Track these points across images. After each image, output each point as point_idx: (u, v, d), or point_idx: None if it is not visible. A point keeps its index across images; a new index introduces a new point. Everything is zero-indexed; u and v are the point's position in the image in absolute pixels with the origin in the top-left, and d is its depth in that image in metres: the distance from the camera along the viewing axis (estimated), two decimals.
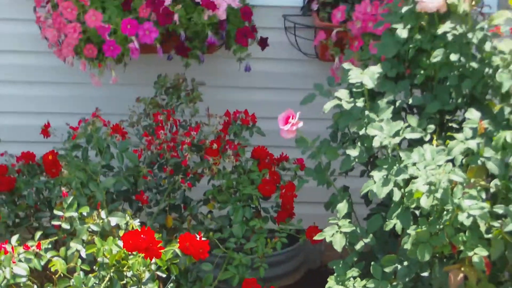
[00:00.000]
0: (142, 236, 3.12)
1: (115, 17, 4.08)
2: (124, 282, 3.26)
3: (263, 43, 4.25)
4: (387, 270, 3.19)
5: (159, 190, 3.93)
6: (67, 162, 3.67)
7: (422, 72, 3.33)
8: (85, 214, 3.44)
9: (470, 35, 3.18)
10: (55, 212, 3.46)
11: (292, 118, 3.37)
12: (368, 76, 3.28)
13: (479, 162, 2.96)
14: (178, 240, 3.28)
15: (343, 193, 3.49)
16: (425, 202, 2.87)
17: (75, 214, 3.43)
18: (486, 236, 2.92)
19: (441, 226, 2.92)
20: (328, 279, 3.31)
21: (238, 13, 4.17)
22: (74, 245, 3.35)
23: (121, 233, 3.37)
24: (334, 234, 3.31)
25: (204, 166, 3.81)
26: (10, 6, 4.47)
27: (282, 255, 4.32)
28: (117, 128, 3.80)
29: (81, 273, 3.25)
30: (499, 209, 2.91)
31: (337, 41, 4.12)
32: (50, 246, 3.38)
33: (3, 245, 3.28)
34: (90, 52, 4.07)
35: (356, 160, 3.33)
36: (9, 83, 4.58)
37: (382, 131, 3.16)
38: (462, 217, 2.84)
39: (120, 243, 3.25)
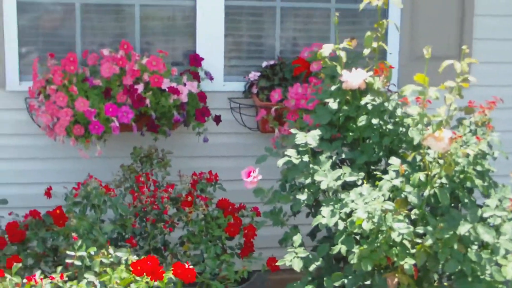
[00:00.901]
0: (148, 262, 3.48)
1: (97, 103, 4.44)
2: None
3: (218, 119, 4.68)
4: (336, 284, 3.62)
5: (142, 236, 4.27)
6: (74, 214, 3.99)
7: (350, 134, 3.82)
8: (92, 253, 3.75)
9: (386, 104, 3.72)
10: (68, 252, 3.75)
11: (253, 172, 3.81)
12: (311, 137, 3.75)
13: (402, 195, 3.46)
14: (172, 268, 3.62)
15: (295, 229, 3.92)
16: (366, 225, 3.33)
17: (84, 253, 3.74)
18: (411, 251, 3.40)
19: (378, 244, 3.38)
20: None
21: (195, 97, 4.58)
22: (88, 276, 3.65)
23: (121, 267, 3.67)
24: (293, 259, 3.72)
25: (181, 215, 4.20)
26: (8, 99, 4.72)
27: None
28: (107, 188, 4.15)
29: None
30: (420, 230, 3.40)
31: (275, 116, 4.58)
32: (67, 278, 3.67)
33: (33, 277, 3.54)
34: (78, 131, 4.38)
35: (305, 202, 3.78)
36: (8, 160, 4.79)
37: (327, 177, 3.63)
38: (394, 235, 3.31)
39: (125, 274, 3.58)
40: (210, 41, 4.75)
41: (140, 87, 4.40)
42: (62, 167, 4.73)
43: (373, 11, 4.30)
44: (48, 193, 4.29)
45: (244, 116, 4.80)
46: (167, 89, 4.45)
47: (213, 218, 4.23)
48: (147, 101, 4.43)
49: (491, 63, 4.90)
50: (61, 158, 4.75)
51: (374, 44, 3.81)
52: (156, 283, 3.54)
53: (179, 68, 4.70)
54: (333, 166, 3.80)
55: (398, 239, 3.31)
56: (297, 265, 3.68)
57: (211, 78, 4.73)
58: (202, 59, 4.69)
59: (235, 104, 4.80)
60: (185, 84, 4.50)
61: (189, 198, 4.15)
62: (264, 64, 4.81)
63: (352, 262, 3.44)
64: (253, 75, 4.78)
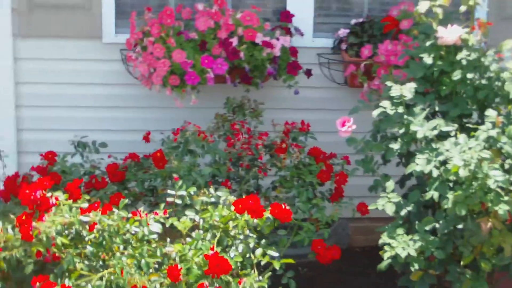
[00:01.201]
0: (250, 201, 3.70)
1: (193, 55, 4.68)
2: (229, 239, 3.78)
3: (309, 73, 4.90)
4: (427, 228, 3.82)
5: (236, 181, 4.51)
6: (174, 157, 4.24)
7: (444, 88, 4.01)
8: (192, 192, 3.97)
9: (482, 59, 3.89)
10: (169, 191, 3.94)
11: (348, 122, 4.02)
12: (407, 90, 3.94)
13: (498, 145, 3.64)
14: (270, 208, 3.83)
15: (386, 177, 4.11)
16: (463, 172, 3.52)
17: (184, 193, 3.96)
18: (505, 198, 3.58)
19: (473, 190, 3.56)
20: (381, 236, 3.90)
21: (287, 51, 4.80)
22: (189, 213, 3.87)
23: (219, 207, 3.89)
24: (385, 203, 3.94)
25: (275, 161, 4.43)
26: (104, 50, 5.00)
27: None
28: (203, 134, 4.39)
29: (199, 231, 3.77)
30: None
31: (364, 72, 4.77)
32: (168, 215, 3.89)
33: (138, 212, 3.77)
34: (174, 81, 4.65)
35: (398, 151, 3.98)
36: (106, 108, 5.10)
37: (423, 126, 3.83)
38: (490, 182, 3.50)
39: (225, 211, 3.80)
40: None
41: (234, 41, 4.63)
42: (158, 116, 4.99)
43: None
44: (146, 138, 4.54)
45: (332, 71, 5.00)
46: (260, 43, 4.67)
47: (305, 165, 4.44)
48: (241, 54, 4.65)
49: None
50: (157, 107, 5.00)
51: (471, 2, 3.97)
52: (255, 220, 3.76)
53: (270, 24, 4.89)
54: (426, 118, 3.97)
55: (493, 186, 3.49)
56: (390, 209, 3.89)
57: (301, 34, 4.93)
58: (293, 15, 4.90)
59: (323, 59, 5.00)
60: (278, 39, 4.71)
61: (284, 145, 4.36)
62: (353, 21, 5.00)
63: (445, 207, 3.63)
64: (342, 31, 4.97)
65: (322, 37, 5.06)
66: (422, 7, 4.09)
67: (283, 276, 3.82)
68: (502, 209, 3.50)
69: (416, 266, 3.80)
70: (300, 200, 4.28)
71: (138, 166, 4.49)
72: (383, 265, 3.92)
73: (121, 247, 3.59)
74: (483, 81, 3.93)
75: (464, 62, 3.95)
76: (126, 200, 3.79)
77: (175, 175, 4.08)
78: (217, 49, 4.67)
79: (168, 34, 4.67)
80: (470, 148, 3.59)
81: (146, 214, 3.77)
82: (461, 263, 3.84)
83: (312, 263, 4.70)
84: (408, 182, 4.25)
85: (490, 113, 3.72)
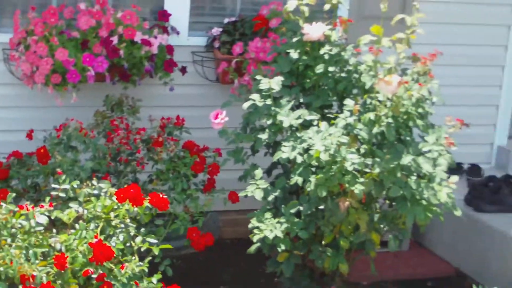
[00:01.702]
0: (131, 190, 3.98)
1: (75, 54, 4.90)
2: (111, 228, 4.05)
3: (184, 70, 5.21)
4: (292, 211, 4.21)
5: (115, 175, 4.76)
6: (57, 152, 4.48)
7: (308, 81, 4.41)
8: (75, 186, 4.19)
9: (343, 53, 4.31)
10: (53, 185, 4.15)
11: (221, 114, 4.36)
12: (275, 83, 4.31)
13: (355, 132, 4.06)
14: (149, 197, 4.12)
15: (254, 166, 4.47)
16: (324, 157, 3.92)
17: (68, 186, 4.16)
18: (361, 179, 3.99)
19: (333, 173, 3.96)
20: (251, 220, 4.26)
21: (164, 49, 5.09)
22: (73, 205, 4.10)
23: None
24: (254, 190, 4.29)
25: (152, 154, 4.73)
26: None
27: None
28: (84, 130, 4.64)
29: (82, 222, 4.02)
30: (369, 161, 4.00)
31: (235, 68, 5.10)
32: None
33: (25, 205, 3.98)
34: (56, 79, 4.83)
35: (266, 141, 4.34)
36: None
37: (288, 116, 4.21)
38: (347, 165, 3.91)
39: (108, 201, 4.06)
40: None
41: (115, 39, 4.89)
42: (41, 115, 5.16)
43: None
44: (29, 135, 4.75)
45: (206, 68, 5.33)
46: (139, 41, 4.94)
47: (180, 158, 4.75)
48: (121, 52, 4.90)
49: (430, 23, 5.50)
50: (40, 107, 5.18)
51: (334, 1, 4.40)
52: (136, 209, 4.04)
53: (149, 23, 5.16)
54: (292, 109, 4.36)
55: (350, 168, 3.91)
56: (258, 195, 4.25)
57: (178, 33, 5.24)
58: (170, 14, 5.19)
59: (198, 57, 5.32)
60: (155, 37, 5.00)
61: (160, 139, 4.67)
62: (226, 20, 5.34)
63: (308, 189, 4.02)
64: (216, 30, 5.31)
65: (196, 35, 5.36)
66: (290, 5, 4.48)
67: (160, 264, 4.10)
68: (358, 189, 3.91)
69: (283, 247, 4.18)
70: (176, 191, 4.59)
71: (21, 164, 4.69)
72: (252, 248, 4.29)
73: (9, 239, 3.79)
74: (343, 74, 4.35)
75: (326, 56, 4.35)
76: (14, 194, 3.96)
77: (58, 170, 4.31)
78: (98, 47, 4.91)
79: (51, 33, 4.87)
80: (330, 135, 3.99)
81: (33, 207, 3.98)
82: (323, 242, 4.25)
83: (186, 256, 5.06)
84: (275, 172, 4.61)
85: (348, 102, 4.13)
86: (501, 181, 5.41)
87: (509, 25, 5.98)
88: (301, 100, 4.43)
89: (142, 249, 3.94)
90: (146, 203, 4.08)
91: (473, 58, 5.98)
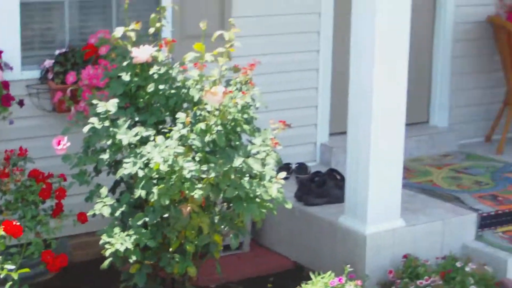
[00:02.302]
0: None
1: None
2: None
3: (21, 102, 5.41)
4: (139, 223, 4.50)
5: None
6: None
7: (141, 100, 4.74)
8: None
9: (170, 71, 4.68)
10: None
11: (63, 140, 4.62)
12: (111, 105, 4.59)
13: (189, 142, 4.42)
14: (3, 225, 4.30)
15: (99, 186, 4.71)
16: (163, 168, 4.26)
17: None
18: (199, 185, 4.36)
19: (173, 182, 4.31)
20: (101, 236, 4.49)
21: (0, 85, 5.29)
22: None
23: None
24: (102, 207, 4.57)
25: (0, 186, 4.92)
26: None
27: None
28: None
29: None
30: (204, 167, 4.35)
31: (71, 97, 5.30)
32: None
33: None
34: None
35: (108, 160, 4.63)
36: None
37: (127, 134, 4.52)
38: (185, 173, 4.27)
39: None
40: (7, 35, 5.44)
41: None
42: None
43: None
44: None
45: (42, 100, 5.55)
46: None
47: (27, 186, 4.96)
48: None
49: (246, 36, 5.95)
50: None
51: (158, 24, 4.76)
52: None
53: None
54: (129, 128, 4.65)
55: (188, 176, 4.27)
56: (106, 211, 4.53)
57: (11, 68, 5.43)
58: (2, 51, 5.38)
59: (33, 89, 5.54)
60: None
61: (6, 171, 4.87)
62: (57, 52, 5.59)
63: (152, 200, 4.35)
64: (48, 62, 5.54)
65: (30, 69, 5.56)
66: (118, 32, 4.81)
67: None
68: (197, 194, 4.28)
69: (134, 258, 4.47)
70: (26, 219, 4.79)
71: None
72: (105, 263, 4.57)
73: None
74: (173, 91, 4.71)
75: (155, 76, 4.70)
76: None
77: None
78: None
79: None
80: (167, 147, 4.34)
81: None
82: (170, 249, 4.58)
83: (43, 283, 5.19)
84: (119, 189, 4.91)
85: (180, 115, 4.50)
86: (326, 175, 5.92)
87: (319, 31, 6.52)
88: (137, 119, 4.73)
89: (1, 276, 4.12)
90: (0, 232, 4.28)
91: (290, 64, 6.47)
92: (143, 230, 4.47)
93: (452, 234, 5.48)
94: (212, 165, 4.34)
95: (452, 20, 7.26)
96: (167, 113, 4.74)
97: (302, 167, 6.32)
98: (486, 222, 5.61)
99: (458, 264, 5.07)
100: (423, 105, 7.36)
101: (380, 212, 5.15)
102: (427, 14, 7.21)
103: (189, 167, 4.28)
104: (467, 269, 5.03)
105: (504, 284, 5.10)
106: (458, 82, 7.38)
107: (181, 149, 4.31)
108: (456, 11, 7.27)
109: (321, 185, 5.77)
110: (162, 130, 4.69)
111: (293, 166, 6.28)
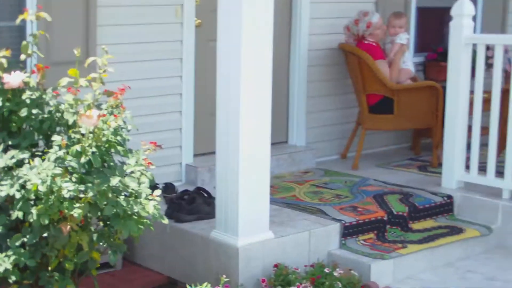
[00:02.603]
0: None
1: None
2: None
3: None
4: (17, 243, 4.59)
5: None
6: None
7: (14, 124, 4.83)
8: None
9: (44, 96, 4.80)
10: None
11: None
12: None
13: (66, 163, 4.55)
14: None
15: None
16: (42, 188, 4.38)
17: None
18: (77, 204, 4.49)
19: (52, 202, 4.43)
20: None
21: None
22: None
23: None
24: None
25: None
26: None
27: None
28: None
29: None
30: (82, 187, 4.49)
31: None
32: None
33: None
34: None
35: None
36: None
37: (2, 157, 4.60)
38: (64, 193, 4.40)
39: None
40: None
41: None
42: None
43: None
44: None
45: None
46: None
47: None
48: None
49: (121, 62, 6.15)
50: None
51: (29, 51, 4.87)
52: None
53: None
54: (4, 152, 4.74)
55: (67, 195, 4.40)
56: None
57: None
58: None
59: None
60: None
61: None
62: None
63: (31, 220, 4.45)
64: None
65: None
66: None
67: None
68: (76, 212, 4.42)
69: (13, 278, 4.55)
70: None
71: None
72: None
73: None
74: (46, 115, 4.83)
75: (28, 101, 4.81)
76: None
77: None
78: None
79: None
80: (44, 169, 4.46)
81: None
82: (49, 268, 4.68)
83: None
84: None
85: (56, 138, 4.63)
86: (194, 193, 6.18)
87: (181, 58, 6.81)
88: (10, 143, 4.82)
89: None
90: None
91: (156, 89, 6.77)
92: (22, 250, 4.56)
93: (318, 243, 5.83)
94: (90, 184, 4.49)
95: (306, 47, 7.74)
96: (41, 137, 4.85)
97: (169, 186, 6.55)
98: (349, 231, 5.99)
99: (326, 270, 5.42)
100: (282, 126, 7.76)
101: (251, 225, 5.44)
102: (283, 42, 7.67)
103: (67, 187, 4.41)
104: (335, 274, 5.38)
105: (369, 287, 5.48)
106: (313, 104, 7.84)
107: (59, 170, 4.44)
108: (310, 39, 7.75)
109: (191, 202, 6.00)
110: (36, 153, 4.80)
111: (160, 186, 6.49)
